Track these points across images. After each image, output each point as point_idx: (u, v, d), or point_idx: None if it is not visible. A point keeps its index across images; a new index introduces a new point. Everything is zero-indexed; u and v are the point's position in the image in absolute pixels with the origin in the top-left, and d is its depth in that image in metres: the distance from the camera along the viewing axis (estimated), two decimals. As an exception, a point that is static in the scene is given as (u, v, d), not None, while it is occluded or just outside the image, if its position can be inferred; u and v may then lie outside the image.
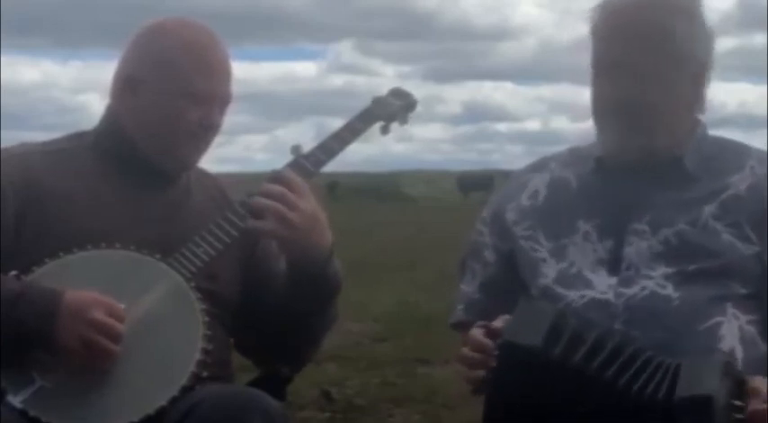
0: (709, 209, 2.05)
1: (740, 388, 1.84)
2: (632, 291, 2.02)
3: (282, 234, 2.12)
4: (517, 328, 1.89)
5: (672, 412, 1.78)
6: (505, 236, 2.19)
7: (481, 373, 1.92)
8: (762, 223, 2.03)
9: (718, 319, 1.99)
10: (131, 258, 2.10)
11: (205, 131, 2.21)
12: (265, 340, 2.30)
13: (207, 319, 2.06)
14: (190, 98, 2.18)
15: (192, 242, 2.12)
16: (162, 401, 1.96)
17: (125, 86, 2.22)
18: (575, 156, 2.22)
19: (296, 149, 2.23)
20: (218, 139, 2.27)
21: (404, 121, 2.42)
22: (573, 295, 2.05)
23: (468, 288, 2.26)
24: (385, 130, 2.39)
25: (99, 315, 1.96)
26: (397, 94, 2.42)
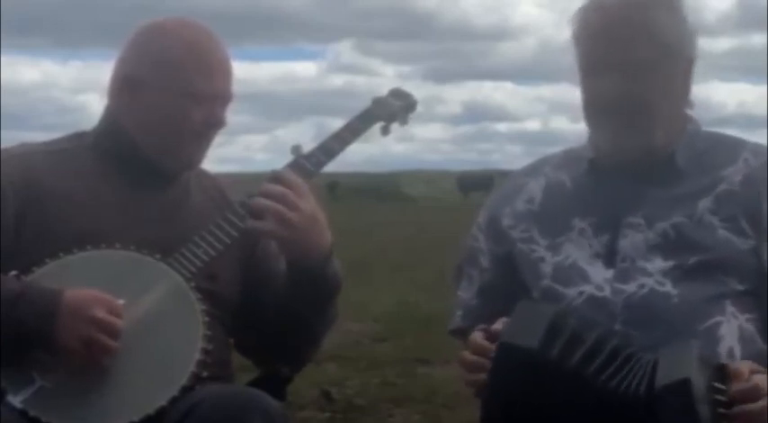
0: (704, 203, 2.05)
1: (721, 372, 1.84)
2: (631, 288, 2.02)
3: (282, 234, 2.12)
4: (515, 330, 1.89)
5: (653, 404, 1.78)
6: (502, 240, 2.20)
7: (482, 376, 1.93)
8: (757, 216, 2.03)
9: (718, 318, 1.99)
10: (131, 258, 2.10)
11: (210, 129, 2.22)
12: (265, 340, 2.30)
13: (207, 319, 2.06)
14: (192, 98, 2.18)
15: (191, 242, 2.12)
16: (162, 401, 1.96)
17: (125, 87, 2.22)
18: (569, 157, 2.23)
19: (296, 149, 2.23)
20: (218, 139, 2.28)
21: (404, 121, 2.43)
22: (572, 292, 2.05)
23: (466, 294, 2.27)
24: (385, 131, 2.40)
25: (99, 313, 1.97)
26: (398, 94, 2.42)
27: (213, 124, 2.21)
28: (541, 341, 1.85)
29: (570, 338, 1.87)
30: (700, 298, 2.00)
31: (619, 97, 2.05)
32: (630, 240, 2.06)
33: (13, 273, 2.04)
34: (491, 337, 1.95)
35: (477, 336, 1.99)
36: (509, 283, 2.16)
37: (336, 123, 2.28)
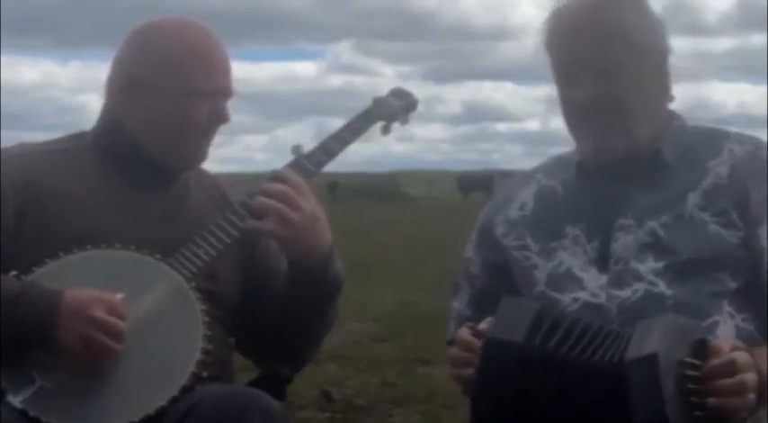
0: (693, 199, 2.05)
1: (700, 347, 1.84)
2: (625, 293, 2.02)
3: (283, 234, 2.13)
4: (500, 326, 1.90)
5: (621, 374, 1.78)
6: (496, 248, 2.20)
7: (469, 371, 1.93)
8: (746, 206, 2.03)
9: (715, 318, 2.00)
10: (131, 258, 2.10)
11: (214, 125, 2.22)
12: (265, 340, 2.30)
13: (207, 319, 2.06)
14: (193, 96, 2.18)
15: (192, 242, 2.12)
16: (162, 401, 1.96)
17: (125, 87, 2.22)
18: (558, 163, 2.24)
19: (297, 149, 2.24)
20: (217, 139, 2.28)
21: (404, 121, 2.43)
22: (566, 299, 2.06)
23: (459, 305, 2.28)
24: (386, 131, 2.40)
25: (99, 313, 1.97)
26: (398, 94, 2.42)
27: (217, 120, 2.22)
28: (526, 335, 1.86)
29: (551, 329, 1.87)
30: (695, 298, 2.00)
31: (593, 100, 2.06)
32: (623, 242, 2.06)
33: (13, 273, 2.04)
34: (477, 334, 1.96)
35: (464, 332, 1.99)
36: (500, 290, 2.16)
37: (336, 123, 2.28)
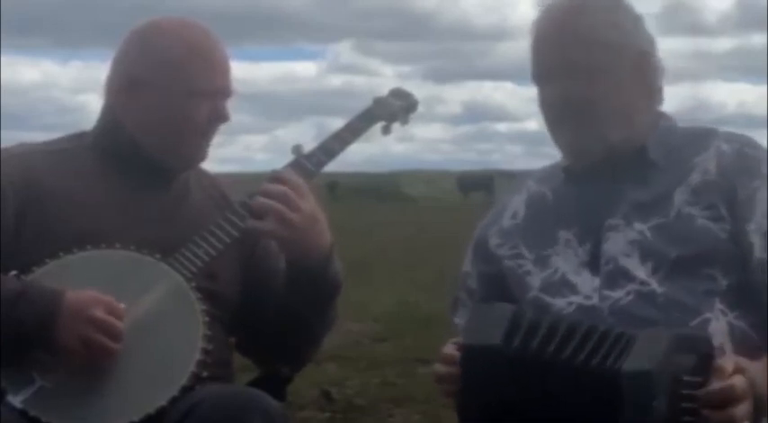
0: (680, 196, 2.05)
1: (705, 364, 1.83)
2: (617, 294, 2.02)
3: (282, 234, 2.13)
4: (475, 331, 1.90)
5: (617, 382, 1.78)
6: (491, 260, 2.21)
7: (454, 386, 1.93)
8: (733, 200, 2.03)
9: (706, 315, 1.99)
10: (131, 258, 2.10)
11: (214, 125, 2.23)
12: (265, 340, 2.30)
13: (207, 319, 2.06)
14: (194, 95, 2.19)
15: (192, 242, 2.13)
16: (162, 401, 1.96)
17: (125, 87, 2.22)
18: (548, 170, 2.25)
19: (297, 149, 2.24)
20: (217, 139, 2.28)
21: (405, 121, 2.43)
22: (560, 303, 2.06)
23: (461, 320, 2.28)
24: (386, 131, 2.40)
25: (99, 313, 1.97)
26: (398, 94, 2.42)
27: (217, 119, 2.23)
28: (504, 338, 1.86)
29: (531, 330, 1.87)
30: (687, 296, 2.00)
31: (560, 102, 2.07)
32: (612, 242, 2.06)
33: (13, 272, 2.04)
34: (460, 348, 1.96)
35: (449, 347, 2.00)
36: (499, 301, 2.16)
37: (336, 123, 2.29)
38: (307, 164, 2.23)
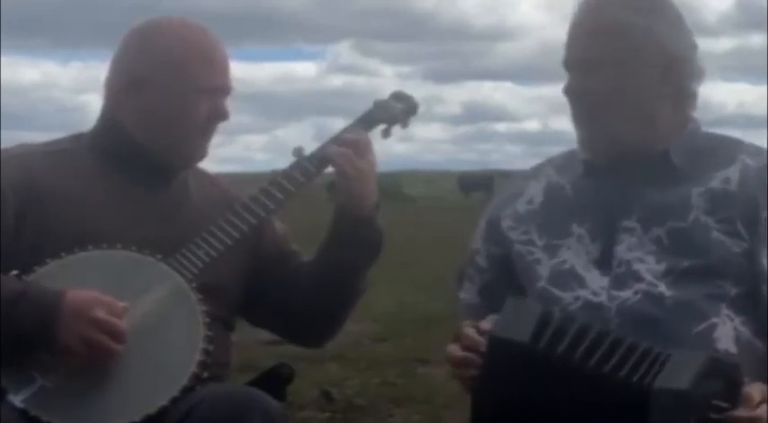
0: (699, 204, 2.05)
1: (733, 390, 1.84)
2: (625, 294, 2.02)
3: (350, 173, 2.20)
4: (505, 325, 1.91)
5: (647, 399, 1.79)
6: (502, 242, 2.20)
7: (472, 372, 1.93)
8: (754, 219, 2.03)
9: (713, 320, 1.99)
10: (132, 259, 2.10)
11: (214, 122, 2.24)
12: (298, 311, 2.32)
13: (207, 319, 2.07)
14: (195, 93, 2.20)
15: (193, 243, 2.13)
16: (163, 401, 1.96)
17: (125, 86, 2.23)
18: (569, 160, 2.23)
19: (298, 151, 2.25)
20: (217, 139, 2.29)
21: (405, 124, 2.42)
22: (567, 297, 2.06)
23: (467, 295, 2.28)
24: (386, 134, 2.39)
25: (100, 314, 1.97)
26: (399, 97, 2.42)
27: (217, 117, 2.23)
28: (531, 337, 1.87)
29: (557, 332, 1.88)
30: (694, 300, 2.00)
31: (580, 93, 2.09)
32: (626, 245, 2.06)
33: (14, 273, 2.04)
34: (481, 333, 1.96)
35: (468, 329, 2.00)
36: (508, 284, 2.16)
37: (336, 123, 2.31)
38: (308, 165, 2.24)
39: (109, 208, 2.18)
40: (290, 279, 2.31)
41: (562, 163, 2.24)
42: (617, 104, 2.07)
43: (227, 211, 2.19)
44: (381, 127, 2.37)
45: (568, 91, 2.13)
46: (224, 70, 2.25)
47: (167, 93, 2.20)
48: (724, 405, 1.81)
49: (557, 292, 2.07)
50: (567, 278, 2.08)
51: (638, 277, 2.03)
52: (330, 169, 2.27)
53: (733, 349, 1.99)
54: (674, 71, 2.11)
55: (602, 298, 2.03)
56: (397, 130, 2.40)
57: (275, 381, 2.22)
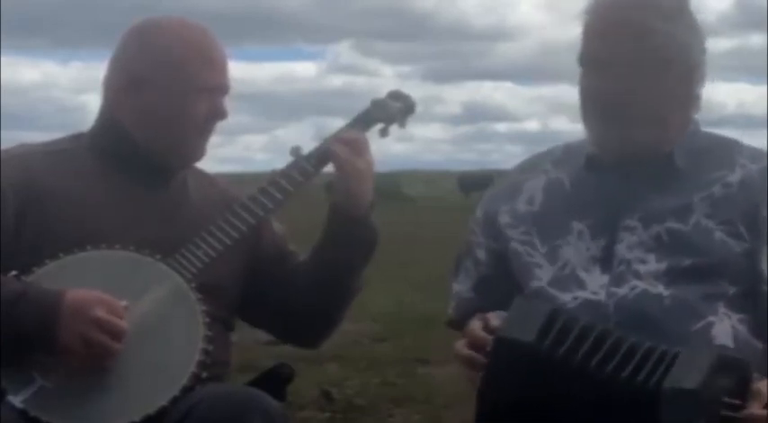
0: (700, 206, 2.06)
1: (743, 387, 1.84)
2: (622, 290, 2.03)
3: (348, 170, 2.21)
4: (511, 326, 1.91)
5: (657, 400, 1.79)
6: (498, 236, 2.20)
7: (479, 372, 1.94)
8: (754, 220, 2.04)
9: (710, 318, 2.00)
10: (131, 259, 2.10)
11: (213, 121, 2.24)
12: (295, 311, 2.32)
13: (207, 319, 2.07)
14: (194, 92, 2.20)
15: (192, 243, 2.13)
16: (163, 401, 1.97)
17: (124, 86, 2.23)
18: (567, 153, 2.23)
19: (296, 151, 2.25)
20: (217, 139, 2.29)
21: (402, 123, 2.42)
22: (566, 297, 2.06)
23: (461, 287, 2.28)
24: (384, 133, 2.39)
25: (101, 313, 1.97)
26: (396, 96, 2.42)
27: (215, 115, 2.24)
28: (537, 336, 1.87)
29: (565, 333, 1.88)
30: (692, 299, 2.00)
31: (602, 91, 2.08)
32: (627, 244, 2.06)
33: (13, 273, 2.04)
34: (488, 329, 1.97)
35: (476, 326, 2.00)
36: (505, 278, 2.16)
37: (336, 123, 2.31)
38: (306, 165, 2.24)
39: (108, 208, 2.18)
40: (288, 279, 2.31)
41: (560, 156, 2.24)
42: (634, 105, 2.07)
43: (227, 211, 2.19)
44: (379, 126, 2.37)
45: (586, 89, 2.11)
46: (223, 69, 2.25)
47: (166, 92, 2.20)
48: (735, 402, 1.81)
49: (554, 292, 2.08)
50: (568, 282, 2.08)
51: (637, 275, 2.03)
52: (328, 169, 2.27)
53: (731, 347, 1.99)
54: (688, 75, 2.12)
55: (601, 296, 2.04)
56: (394, 129, 2.40)
57: (275, 381, 2.22)
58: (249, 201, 2.20)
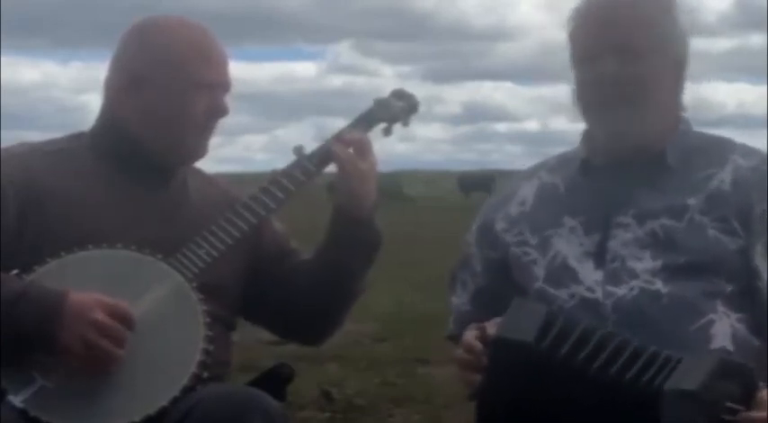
0: (694, 203, 2.06)
1: (748, 394, 1.83)
2: (621, 291, 2.03)
3: (351, 171, 2.21)
4: (509, 326, 1.91)
5: (658, 402, 1.79)
6: (496, 245, 2.22)
7: (477, 376, 1.94)
8: (748, 217, 2.05)
9: (710, 317, 2.00)
10: (132, 258, 2.10)
11: (214, 118, 2.24)
12: (297, 310, 2.32)
13: (208, 319, 2.07)
14: (195, 90, 2.20)
15: (193, 242, 2.13)
16: (163, 402, 1.96)
17: (125, 85, 2.23)
18: (562, 161, 2.26)
19: (298, 150, 2.25)
20: (217, 139, 2.28)
21: (406, 122, 2.42)
22: (563, 294, 2.07)
23: (459, 300, 2.29)
24: (387, 132, 2.39)
25: (101, 316, 1.97)
26: (400, 95, 2.42)
27: (217, 112, 2.24)
28: (536, 336, 1.87)
29: (561, 333, 1.88)
30: (690, 297, 2.01)
31: (616, 78, 2.08)
32: (620, 240, 2.07)
33: (15, 272, 2.04)
34: (483, 337, 1.96)
35: (470, 335, 2.00)
36: (502, 288, 2.17)
37: (336, 123, 2.32)
38: (308, 164, 2.24)
39: (109, 208, 2.18)
40: (289, 278, 2.31)
41: (555, 165, 2.26)
42: (649, 93, 2.10)
43: (228, 211, 2.19)
44: (382, 125, 2.37)
45: (583, 82, 2.12)
46: (223, 66, 2.25)
47: (166, 91, 2.20)
48: (737, 407, 1.81)
49: (552, 290, 2.08)
50: (561, 274, 2.08)
51: (633, 274, 2.04)
52: (330, 169, 2.27)
53: (730, 346, 1.99)
54: (679, 73, 2.15)
55: (598, 294, 2.04)
56: (397, 128, 2.41)
57: (275, 381, 2.21)
58: (251, 200, 2.21)
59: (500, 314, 1.98)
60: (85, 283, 2.03)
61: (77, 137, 2.30)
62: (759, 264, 2.03)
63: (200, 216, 2.20)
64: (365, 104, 2.38)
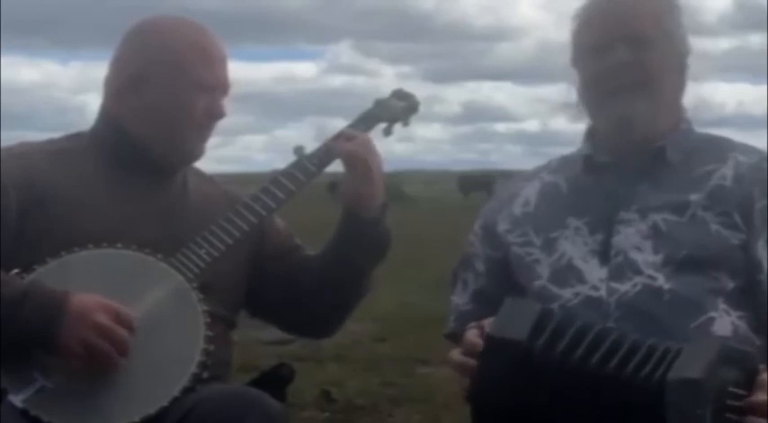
0: (696, 199, 2.07)
1: (749, 378, 1.84)
2: (624, 287, 2.03)
3: (359, 171, 2.21)
4: (502, 325, 1.90)
5: (660, 395, 1.79)
6: (498, 245, 2.22)
7: (469, 378, 1.94)
8: (749, 212, 2.05)
9: (711, 314, 2.01)
10: (133, 258, 2.10)
11: (212, 120, 2.24)
12: (304, 305, 2.33)
13: (208, 319, 2.07)
14: (195, 90, 2.20)
15: (194, 242, 2.13)
16: (163, 402, 1.96)
17: (125, 85, 2.23)
18: (563, 162, 2.27)
19: (299, 150, 2.25)
20: (217, 139, 2.29)
21: (406, 122, 2.43)
22: (567, 293, 2.07)
23: (460, 299, 2.29)
24: (387, 132, 2.40)
25: (102, 319, 1.96)
26: (400, 95, 2.42)
27: (215, 114, 2.24)
28: (529, 334, 1.87)
29: (556, 331, 1.88)
30: (692, 293, 2.01)
31: (628, 66, 2.10)
32: (624, 234, 2.08)
33: (15, 271, 2.04)
34: (483, 336, 1.96)
35: (471, 334, 2.00)
36: (503, 288, 2.17)
37: (336, 123, 2.32)
38: (308, 164, 2.24)
39: (109, 207, 2.18)
40: (295, 274, 2.32)
41: (557, 165, 2.28)
42: (658, 84, 2.11)
43: (229, 210, 2.19)
44: (382, 125, 2.38)
45: (606, 70, 2.12)
46: (222, 67, 2.25)
47: (166, 90, 2.20)
48: (740, 392, 1.81)
49: (555, 289, 2.08)
50: (566, 274, 2.09)
51: (636, 268, 2.04)
52: (330, 169, 2.27)
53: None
54: (681, 70, 2.17)
55: (602, 292, 2.04)
56: (397, 128, 2.41)
57: (275, 381, 2.22)
58: (251, 200, 2.21)
59: None
60: (86, 282, 2.03)
61: (77, 137, 2.30)
62: (761, 257, 2.03)
63: (200, 216, 2.20)
64: (365, 104, 2.38)
